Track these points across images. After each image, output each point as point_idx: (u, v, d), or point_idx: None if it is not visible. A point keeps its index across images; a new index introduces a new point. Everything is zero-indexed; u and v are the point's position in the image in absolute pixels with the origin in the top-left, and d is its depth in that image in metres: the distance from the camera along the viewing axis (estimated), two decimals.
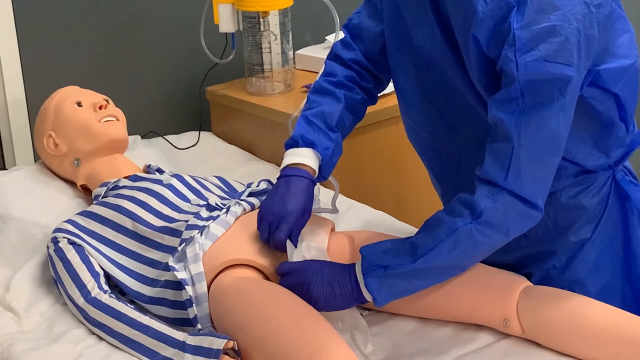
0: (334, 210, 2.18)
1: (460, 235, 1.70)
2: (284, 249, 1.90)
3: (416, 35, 1.85)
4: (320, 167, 1.95)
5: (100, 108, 2.30)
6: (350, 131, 2.04)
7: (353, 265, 1.81)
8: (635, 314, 1.80)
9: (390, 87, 2.59)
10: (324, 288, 1.80)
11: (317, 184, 2.19)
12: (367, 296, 1.78)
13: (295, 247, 1.90)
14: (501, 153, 1.68)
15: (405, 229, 2.29)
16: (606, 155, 1.85)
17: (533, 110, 1.65)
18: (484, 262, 2.02)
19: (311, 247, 1.92)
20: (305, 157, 1.93)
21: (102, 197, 2.19)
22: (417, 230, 2.28)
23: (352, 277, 1.80)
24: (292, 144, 1.95)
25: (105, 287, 1.98)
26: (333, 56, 2.04)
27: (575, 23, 1.62)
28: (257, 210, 2.06)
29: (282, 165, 1.94)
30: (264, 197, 2.10)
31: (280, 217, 1.88)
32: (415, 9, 1.83)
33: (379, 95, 2.09)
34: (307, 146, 1.93)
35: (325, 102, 1.98)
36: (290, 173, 1.92)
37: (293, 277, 1.83)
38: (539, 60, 1.62)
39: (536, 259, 1.94)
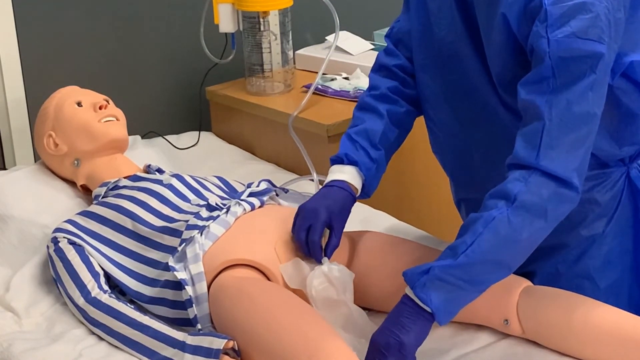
0: None
1: (498, 225, 1.66)
2: (317, 254, 1.88)
3: (438, 28, 1.87)
4: (363, 186, 1.96)
5: (100, 108, 2.30)
6: (399, 146, 2.03)
7: (404, 294, 1.73)
8: None
9: None
10: (397, 333, 1.70)
11: (318, 184, 2.20)
12: (428, 309, 1.69)
13: (329, 257, 1.88)
14: (532, 133, 1.67)
15: (405, 229, 2.29)
16: (618, 147, 1.85)
17: (564, 88, 1.65)
18: None
19: (333, 268, 1.88)
20: (348, 175, 1.94)
21: (102, 197, 2.19)
22: (417, 229, 2.31)
23: (407, 301, 1.71)
24: (337, 160, 1.96)
25: (105, 287, 1.98)
26: (377, 67, 2.05)
27: (605, 2, 1.64)
28: (258, 210, 2.06)
29: (326, 181, 1.95)
30: (264, 197, 2.10)
31: (313, 213, 1.88)
32: (439, 1, 1.85)
33: None
34: (350, 164, 1.95)
35: (368, 119, 1.99)
36: (332, 184, 1.94)
37: (372, 350, 1.72)
38: (570, 36, 1.63)
39: (546, 253, 1.94)
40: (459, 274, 1.68)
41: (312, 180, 2.31)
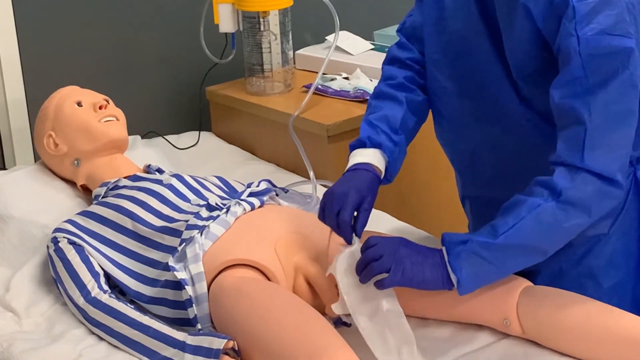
0: None
1: (542, 213, 1.70)
2: (348, 235, 1.84)
3: (452, 20, 1.87)
4: (386, 169, 1.93)
5: (100, 108, 2.30)
6: (415, 134, 2.01)
7: (440, 250, 1.78)
8: None
9: None
10: (414, 265, 1.75)
11: (316, 185, 2.19)
12: (453, 277, 1.74)
13: (359, 236, 1.85)
14: (574, 136, 1.69)
15: (405, 229, 2.29)
16: (633, 148, 1.85)
17: (599, 88, 1.66)
18: None
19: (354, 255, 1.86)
20: (372, 157, 1.91)
21: (102, 197, 2.19)
22: (417, 229, 2.31)
23: (441, 257, 1.76)
24: (359, 144, 1.93)
25: (105, 287, 1.98)
26: (390, 59, 2.03)
27: None
28: (257, 210, 2.06)
29: (349, 165, 1.92)
30: (264, 197, 2.10)
31: (343, 196, 1.84)
32: None
33: None
34: (374, 147, 1.92)
35: (387, 106, 1.97)
36: (356, 167, 1.90)
37: (382, 247, 1.77)
38: (600, 33, 1.64)
39: None
40: (495, 253, 1.73)
41: (311, 181, 2.31)
